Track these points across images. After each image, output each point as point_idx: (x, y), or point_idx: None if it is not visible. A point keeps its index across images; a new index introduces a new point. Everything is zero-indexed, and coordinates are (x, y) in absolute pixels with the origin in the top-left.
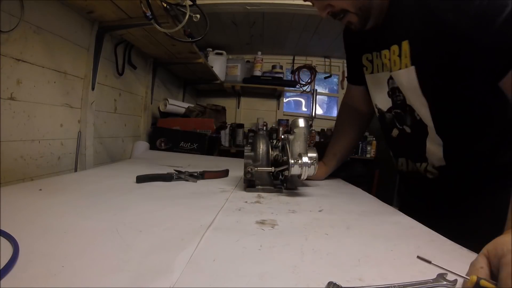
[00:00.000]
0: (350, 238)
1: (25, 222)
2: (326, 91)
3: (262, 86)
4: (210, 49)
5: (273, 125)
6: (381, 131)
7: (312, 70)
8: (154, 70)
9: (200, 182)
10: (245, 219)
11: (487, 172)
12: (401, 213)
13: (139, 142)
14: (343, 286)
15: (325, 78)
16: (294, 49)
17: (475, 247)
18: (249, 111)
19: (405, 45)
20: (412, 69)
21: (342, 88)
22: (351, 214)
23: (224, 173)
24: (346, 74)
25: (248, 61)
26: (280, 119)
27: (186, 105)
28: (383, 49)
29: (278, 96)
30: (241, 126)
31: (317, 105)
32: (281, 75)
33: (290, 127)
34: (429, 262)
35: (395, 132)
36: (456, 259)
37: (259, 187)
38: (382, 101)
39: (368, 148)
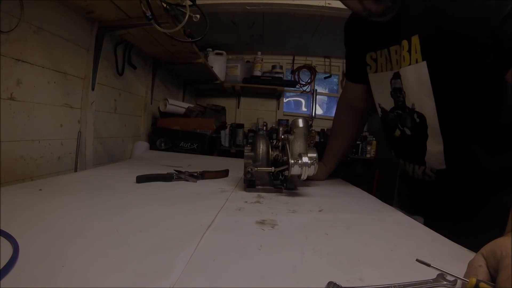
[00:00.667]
0: (350, 238)
1: (25, 222)
2: (326, 91)
3: (262, 86)
4: (210, 49)
5: (273, 125)
6: (383, 131)
7: (312, 70)
8: (154, 70)
9: (200, 182)
10: (245, 219)
11: (487, 175)
12: (401, 213)
13: (139, 142)
14: (343, 286)
15: (325, 78)
16: (294, 49)
17: (475, 249)
18: (249, 111)
19: (415, 40)
20: (423, 64)
21: (342, 88)
22: (351, 214)
23: (224, 173)
24: (345, 72)
25: (248, 61)
26: (280, 119)
27: (186, 105)
28: (393, 45)
29: (278, 96)
30: (241, 126)
31: (317, 105)
32: (281, 75)
33: (290, 127)
34: (428, 265)
35: (397, 132)
36: (456, 259)
37: (259, 187)
38: (385, 101)
39: (368, 148)
